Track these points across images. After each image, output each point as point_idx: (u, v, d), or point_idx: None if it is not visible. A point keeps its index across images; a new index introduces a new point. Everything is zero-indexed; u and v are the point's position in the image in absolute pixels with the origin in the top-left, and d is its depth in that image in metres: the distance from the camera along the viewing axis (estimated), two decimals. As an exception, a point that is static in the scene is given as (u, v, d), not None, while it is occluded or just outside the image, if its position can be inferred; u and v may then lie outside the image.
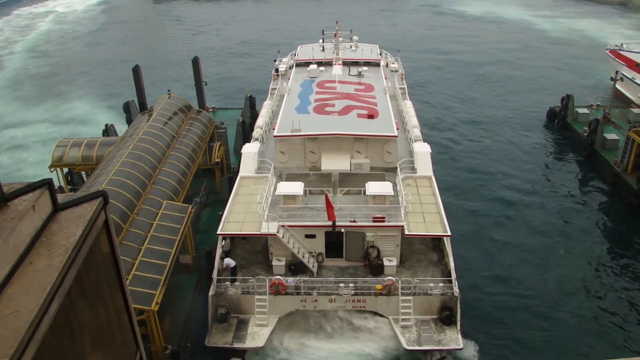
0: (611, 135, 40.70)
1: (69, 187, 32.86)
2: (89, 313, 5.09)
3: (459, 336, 22.95)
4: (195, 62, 42.90)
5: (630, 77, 49.54)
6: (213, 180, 35.38)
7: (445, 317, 23.48)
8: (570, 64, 66.46)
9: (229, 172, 36.44)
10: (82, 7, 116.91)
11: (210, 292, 23.99)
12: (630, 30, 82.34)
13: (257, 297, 23.84)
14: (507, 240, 32.64)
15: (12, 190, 4.51)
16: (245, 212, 25.71)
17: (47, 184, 4.71)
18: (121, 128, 40.70)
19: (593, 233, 33.43)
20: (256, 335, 23.27)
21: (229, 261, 25.22)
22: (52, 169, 32.48)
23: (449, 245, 25.30)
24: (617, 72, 46.15)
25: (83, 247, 4.73)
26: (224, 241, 26.06)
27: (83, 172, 33.54)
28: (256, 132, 32.93)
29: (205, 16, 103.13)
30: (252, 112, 45.64)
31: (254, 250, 27.21)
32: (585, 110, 46.47)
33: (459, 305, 23.39)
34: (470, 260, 30.40)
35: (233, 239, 27.56)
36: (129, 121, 41.46)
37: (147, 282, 21.62)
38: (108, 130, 39.42)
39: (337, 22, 43.25)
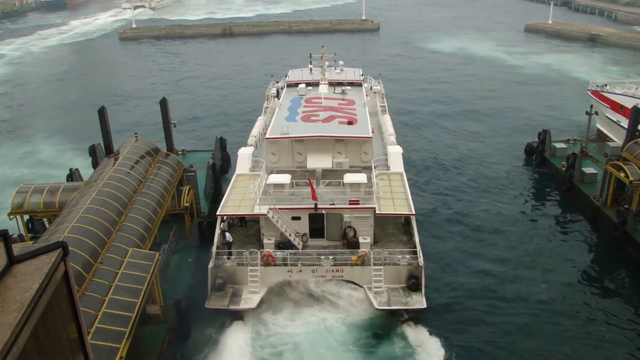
0: (589, 169, 40.83)
1: (29, 235, 31.64)
2: (45, 374, 4.72)
3: (424, 299, 27.07)
4: (163, 103, 42.47)
5: (615, 119, 48.14)
6: (182, 226, 34.65)
7: (412, 285, 27.53)
8: (545, 100, 66.68)
9: (199, 217, 35.80)
10: (37, 49, 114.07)
11: (210, 265, 28.00)
12: (601, 64, 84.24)
13: (249, 268, 27.92)
14: (484, 263, 33.44)
15: (-38, 242, 4.22)
16: (240, 199, 30.39)
17: (2, 235, 4.45)
18: (87, 172, 39.72)
19: (574, 266, 33.34)
20: (249, 300, 27.35)
21: (229, 236, 29.29)
22: (11, 217, 31.30)
23: (415, 224, 30.01)
24: (591, 107, 46.02)
25: (40, 302, 4.43)
26: (222, 223, 30.31)
27: (45, 219, 32.42)
28: (250, 140, 37.67)
29: (174, 56, 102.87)
30: (223, 154, 45.37)
31: (247, 234, 31.63)
32: (562, 145, 46.41)
33: (423, 274, 27.60)
34: (446, 271, 32.62)
35: (230, 225, 31.70)
36: (95, 165, 40.60)
37: (111, 335, 20.61)
38: (73, 175, 38.40)
39: (322, 47, 47.84)
